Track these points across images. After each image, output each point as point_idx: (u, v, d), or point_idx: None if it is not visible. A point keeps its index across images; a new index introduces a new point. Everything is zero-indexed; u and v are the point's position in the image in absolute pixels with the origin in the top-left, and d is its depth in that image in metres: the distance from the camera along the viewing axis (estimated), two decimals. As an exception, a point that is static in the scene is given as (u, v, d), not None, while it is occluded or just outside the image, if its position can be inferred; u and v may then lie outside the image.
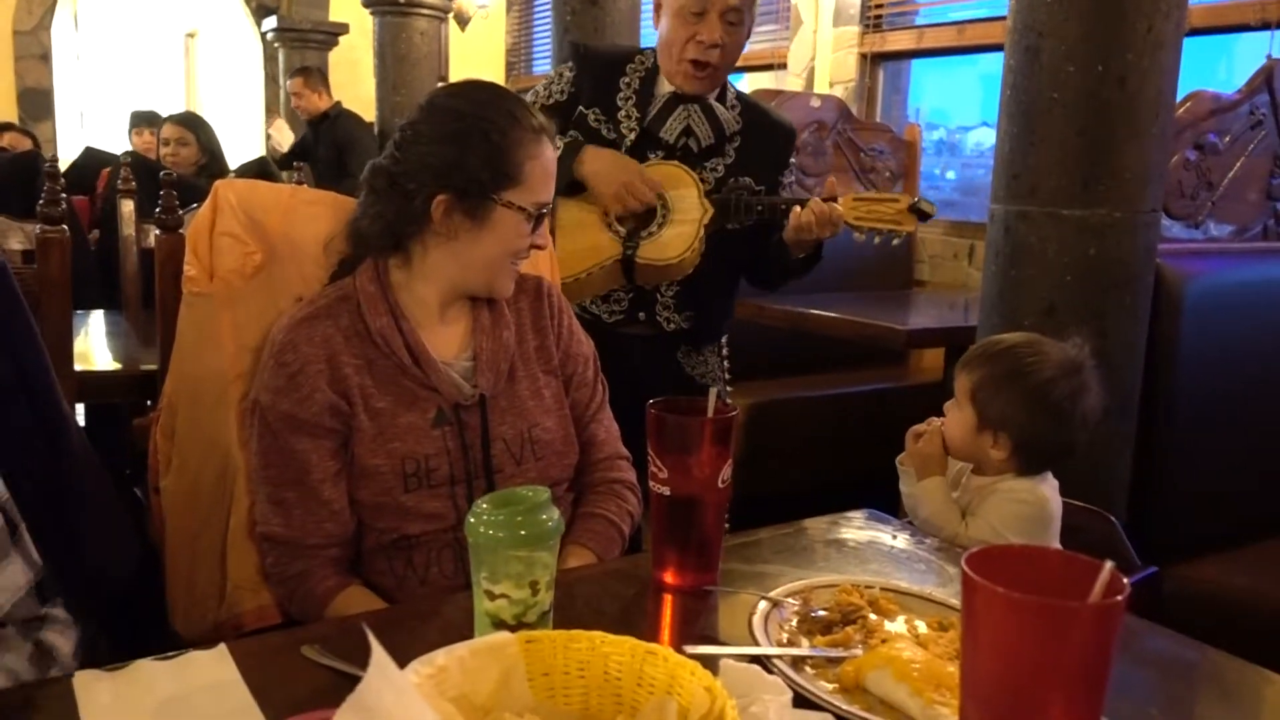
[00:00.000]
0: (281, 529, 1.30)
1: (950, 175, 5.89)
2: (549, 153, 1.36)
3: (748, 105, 2.05)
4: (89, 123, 8.20)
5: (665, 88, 1.99)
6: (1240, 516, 2.30)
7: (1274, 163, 2.52)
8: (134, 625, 1.41)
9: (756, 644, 0.94)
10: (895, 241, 1.88)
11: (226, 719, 0.84)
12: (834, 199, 1.85)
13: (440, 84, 5.68)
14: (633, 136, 1.98)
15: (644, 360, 2.01)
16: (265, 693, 0.88)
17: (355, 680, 0.86)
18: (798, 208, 1.84)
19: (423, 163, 1.33)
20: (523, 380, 1.42)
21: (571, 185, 1.93)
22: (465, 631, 0.94)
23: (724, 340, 2.17)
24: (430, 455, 1.32)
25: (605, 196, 1.92)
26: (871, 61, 4.78)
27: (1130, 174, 1.99)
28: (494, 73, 7.71)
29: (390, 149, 1.38)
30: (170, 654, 0.94)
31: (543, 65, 7.34)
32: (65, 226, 1.79)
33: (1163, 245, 2.16)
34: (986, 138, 5.29)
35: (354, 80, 7.02)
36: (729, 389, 2.23)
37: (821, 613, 1.02)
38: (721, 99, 2.01)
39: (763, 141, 2.03)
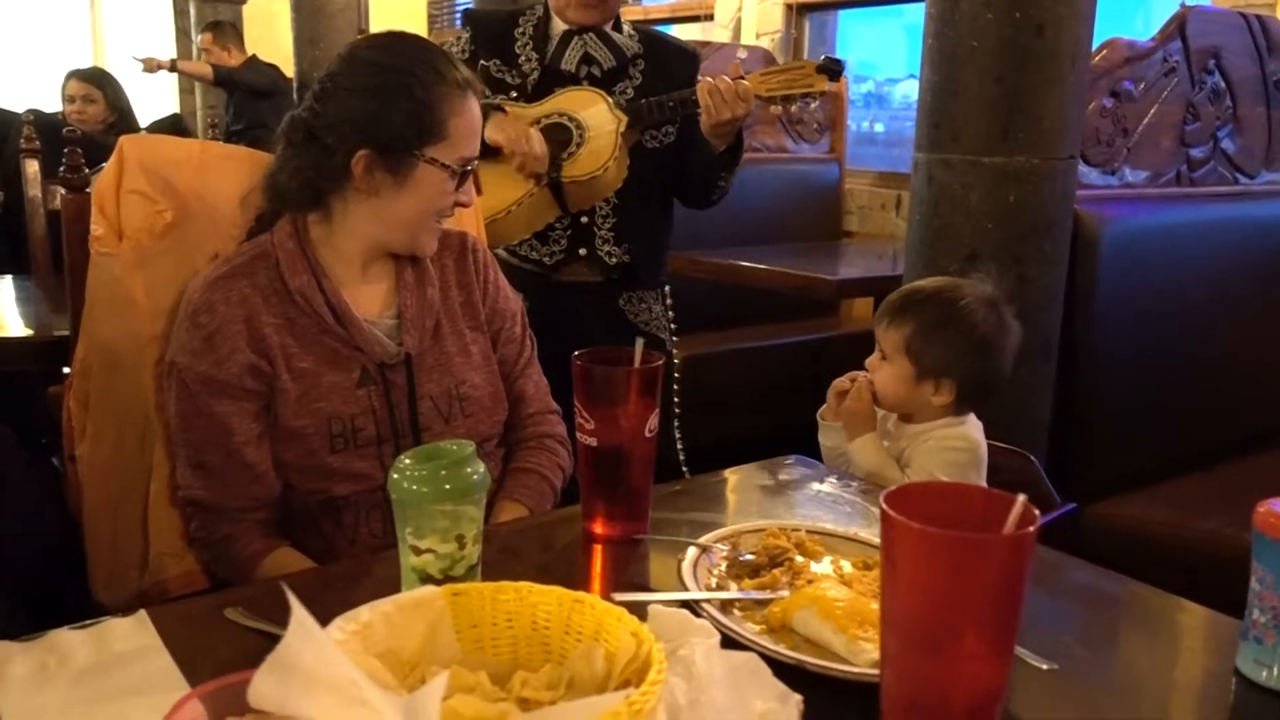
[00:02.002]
0: (204, 493, 1.27)
1: (879, 128, 5.93)
2: (474, 108, 1.33)
3: (644, 33, 2.12)
4: (-8, 80, 7.83)
5: (559, 27, 2.04)
6: (1157, 455, 2.38)
7: (1186, 109, 2.57)
8: (54, 597, 1.37)
9: (685, 589, 0.95)
10: (813, 105, 1.94)
11: (147, 685, 0.82)
12: (741, 77, 1.89)
13: (359, 35, 5.53)
14: (535, 75, 2.04)
15: (587, 310, 2.04)
16: (187, 658, 0.86)
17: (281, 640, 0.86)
18: (703, 86, 1.87)
19: (343, 116, 1.29)
20: (449, 337, 1.40)
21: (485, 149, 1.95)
22: (395, 589, 0.92)
23: (667, 290, 2.19)
24: (356, 415, 1.30)
25: (509, 157, 1.96)
26: (798, 12, 4.77)
27: (1048, 121, 2.02)
28: (415, 25, 7.53)
29: (309, 100, 1.33)
30: (87, 622, 0.92)
31: (467, 18, 7.18)
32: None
33: (1080, 191, 2.20)
34: (914, 90, 5.34)
35: (269, 33, 6.79)
36: (674, 339, 2.23)
37: (749, 557, 1.03)
38: (617, 28, 2.06)
39: (667, 63, 2.08)
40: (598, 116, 1.98)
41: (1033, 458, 1.67)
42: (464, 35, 2.14)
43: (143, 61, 5.76)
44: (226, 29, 5.56)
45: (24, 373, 2.62)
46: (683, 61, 2.10)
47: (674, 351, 2.22)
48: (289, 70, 5.65)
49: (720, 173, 2.05)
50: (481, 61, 2.05)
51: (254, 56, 5.52)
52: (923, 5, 2.13)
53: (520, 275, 2.09)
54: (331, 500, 1.30)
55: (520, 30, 2.07)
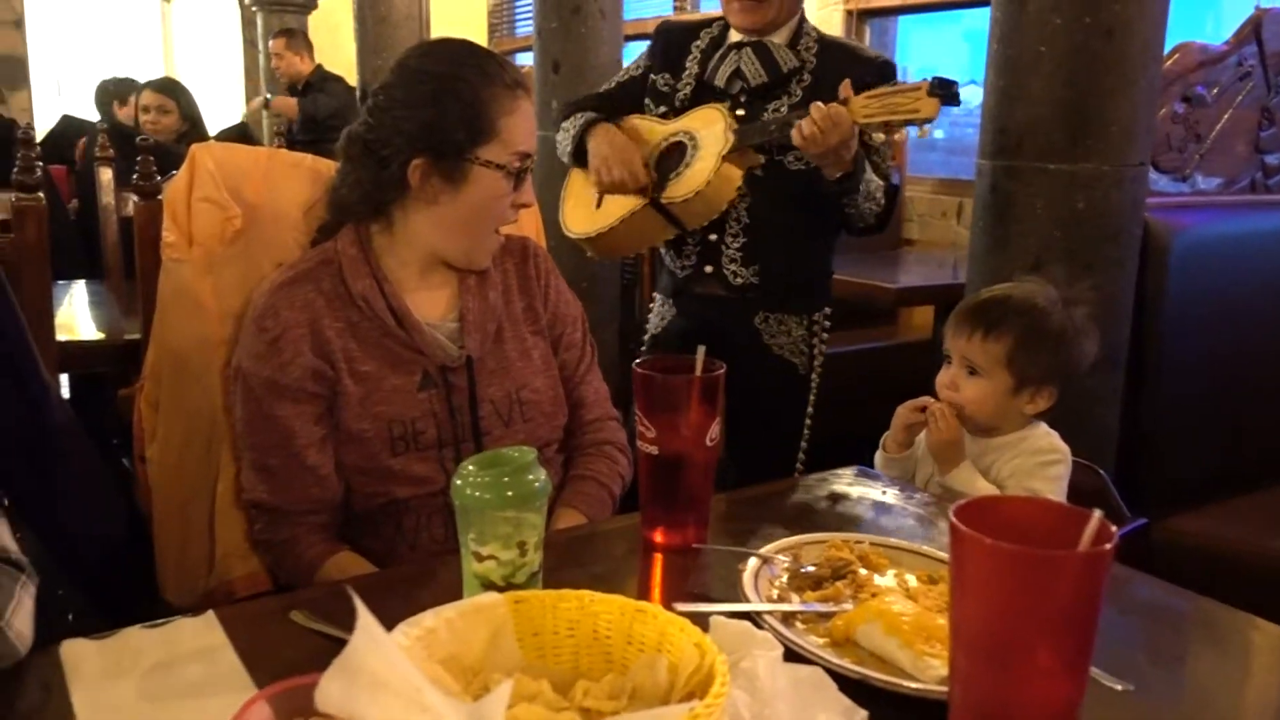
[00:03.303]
0: (267, 496, 1.29)
1: (939, 134, 5.84)
2: (526, 107, 1.33)
3: (827, 44, 2.02)
4: (66, 91, 8.07)
5: (732, 39, 2.00)
6: (1229, 468, 2.31)
7: (1261, 115, 2.50)
8: (124, 596, 1.41)
9: (747, 601, 0.94)
10: (919, 134, 1.78)
11: (214, 685, 0.83)
12: (846, 100, 1.75)
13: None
14: (688, 89, 2.02)
15: (719, 324, 1.99)
16: (253, 658, 0.88)
17: (344, 644, 0.87)
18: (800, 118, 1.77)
19: (396, 128, 1.30)
20: (510, 341, 1.41)
21: None
22: (456, 594, 0.93)
23: (818, 316, 2.07)
24: (417, 418, 1.31)
25: (590, 171, 1.98)
26: (858, 18, 4.73)
27: (1118, 127, 1.98)
28: (476, 34, 7.61)
29: (364, 115, 1.35)
30: (158, 622, 0.94)
31: (525, 26, 7.23)
32: (41, 195, 1.76)
33: (1150, 199, 2.15)
34: (975, 96, 5.25)
35: (333, 44, 6.92)
36: (815, 371, 2.08)
37: (811, 568, 1.01)
38: (794, 42, 1.98)
39: (839, 78, 1.89)
40: (711, 136, 1.92)
41: (1101, 470, 1.63)
42: (645, 50, 2.13)
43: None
44: (298, 36, 5.67)
45: (96, 375, 2.70)
46: (859, 73, 1.89)
47: (812, 378, 2.09)
48: (352, 79, 5.74)
49: (840, 201, 1.90)
50: (652, 76, 2.05)
51: (320, 66, 5.62)
52: (986, 10, 2.09)
53: (668, 280, 2.13)
54: (393, 503, 1.31)
55: (698, 44, 2.04)
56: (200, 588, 1.37)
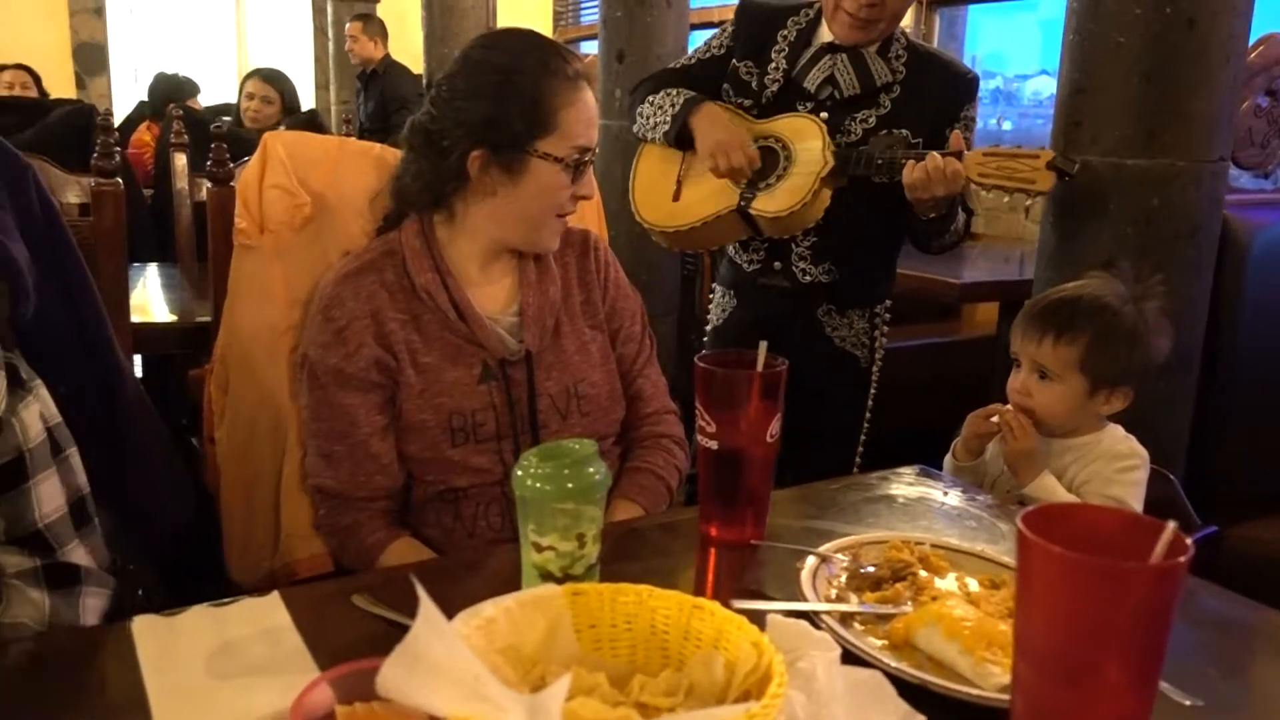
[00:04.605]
0: (331, 482, 1.31)
1: (1007, 126, 5.73)
2: (586, 98, 1.33)
3: (917, 55, 1.95)
4: (143, 77, 8.27)
5: (824, 37, 1.94)
6: (1304, 476, 2.24)
7: (1350, 109, 2.41)
8: (190, 573, 1.44)
9: (804, 599, 0.94)
10: (1029, 203, 1.74)
11: (278, 665, 0.85)
12: (958, 154, 1.73)
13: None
14: (775, 87, 1.95)
15: (782, 315, 1.97)
16: (316, 639, 0.89)
17: (404, 629, 0.87)
18: (911, 163, 1.73)
19: (457, 119, 1.31)
20: (569, 335, 1.41)
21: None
22: (512, 583, 0.94)
23: (878, 309, 2.06)
24: (476, 410, 1.32)
25: (702, 154, 1.91)
26: (928, 7, 4.65)
27: (1197, 122, 1.91)
28: (541, 23, 7.63)
29: (427, 105, 1.37)
30: (225, 600, 0.96)
31: (591, 15, 7.24)
32: (119, 180, 1.81)
33: (1230, 196, 2.09)
34: (1045, 86, 5.13)
35: (401, 32, 7.00)
36: (875, 364, 2.07)
37: (870, 569, 1.00)
38: (884, 50, 1.93)
39: (928, 93, 1.91)
40: (809, 153, 1.88)
41: (1171, 476, 1.59)
42: (729, 27, 2.05)
43: None
44: (374, 22, 5.75)
45: (168, 357, 2.77)
46: (947, 91, 1.92)
47: (873, 371, 2.07)
48: (416, 68, 5.80)
49: (929, 237, 1.90)
50: (734, 61, 1.99)
51: (388, 55, 5.69)
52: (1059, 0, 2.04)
53: (730, 271, 2.10)
54: (452, 492, 1.33)
55: (784, 33, 1.97)
56: (264, 568, 1.40)
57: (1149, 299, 1.48)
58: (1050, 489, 1.42)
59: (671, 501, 1.44)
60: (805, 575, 0.98)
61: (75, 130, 3.36)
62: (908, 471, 1.35)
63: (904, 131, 1.88)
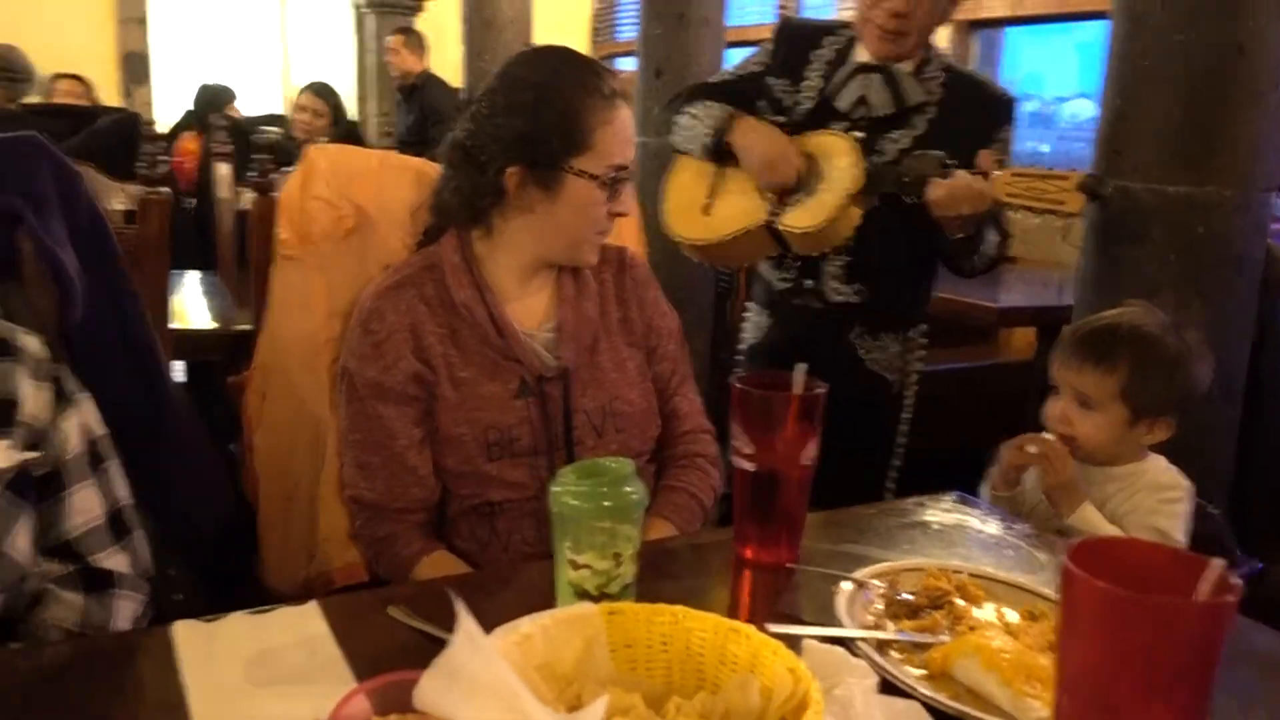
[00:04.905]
0: (368, 493, 1.32)
1: (1044, 148, 5.68)
2: (623, 116, 1.34)
3: (955, 76, 1.95)
4: (189, 87, 8.40)
5: (859, 57, 1.93)
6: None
7: (1400, 139, 2.37)
8: (227, 578, 1.46)
9: (840, 625, 0.93)
10: (1061, 223, 1.74)
11: (315, 674, 0.86)
12: (986, 173, 1.71)
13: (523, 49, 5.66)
14: (809, 105, 1.95)
15: (812, 336, 1.95)
16: (352, 649, 0.90)
17: (439, 642, 0.87)
18: (937, 180, 1.72)
19: (495, 135, 1.32)
20: (605, 352, 1.41)
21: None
22: (546, 598, 0.95)
23: (914, 334, 2.04)
24: (512, 425, 1.33)
25: (751, 171, 1.91)
26: (966, 29, 4.64)
27: (1244, 149, 1.89)
28: (578, 38, 7.69)
29: (465, 121, 1.38)
30: (264, 608, 0.97)
31: (628, 30, 7.29)
32: (166, 189, 1.84)
33: (1275, 225, 2.06)
34: (1083, 109, 5.09)
35: (439, 47, 7.07)
36: (909, 388, 2.07)
37: (908, 596, 1.00)
38: (920, 70, 1.92)
39: (964, 114, 1.90)
40: (839, 170, 1.86)
41: (1213, 509, 1.57)
42: (767, 45, 2.05)
43: None
44: (415, 36, 5.82)
45: (207, 363, 2.80)
46: (983, 112, 1.91)
47: (905, 396, 2.06)
48: (456, 82, 5.85)
49: (958, 257, 1.89)
50: (770, 79, 2.00)
51: (428, 69, 5.74)
52: (1099, 22, 2.02)
53: (763, 290, 2.10)
54: (487, 506, 1.33)
55: (820, 53, 1.97)
56: (300, 575, 1.41)
57: (1191, 327, 1.46)
58: (1092, 521, 1.40)
59: (705, 521, 1.43)
60: (841, 601, 0.97)
61: (122, 138, 3.41)
62: (945, 498, 1.33)
63: (939, 153, 1.85)
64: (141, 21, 7.65)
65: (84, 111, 4.07)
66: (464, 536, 1.35)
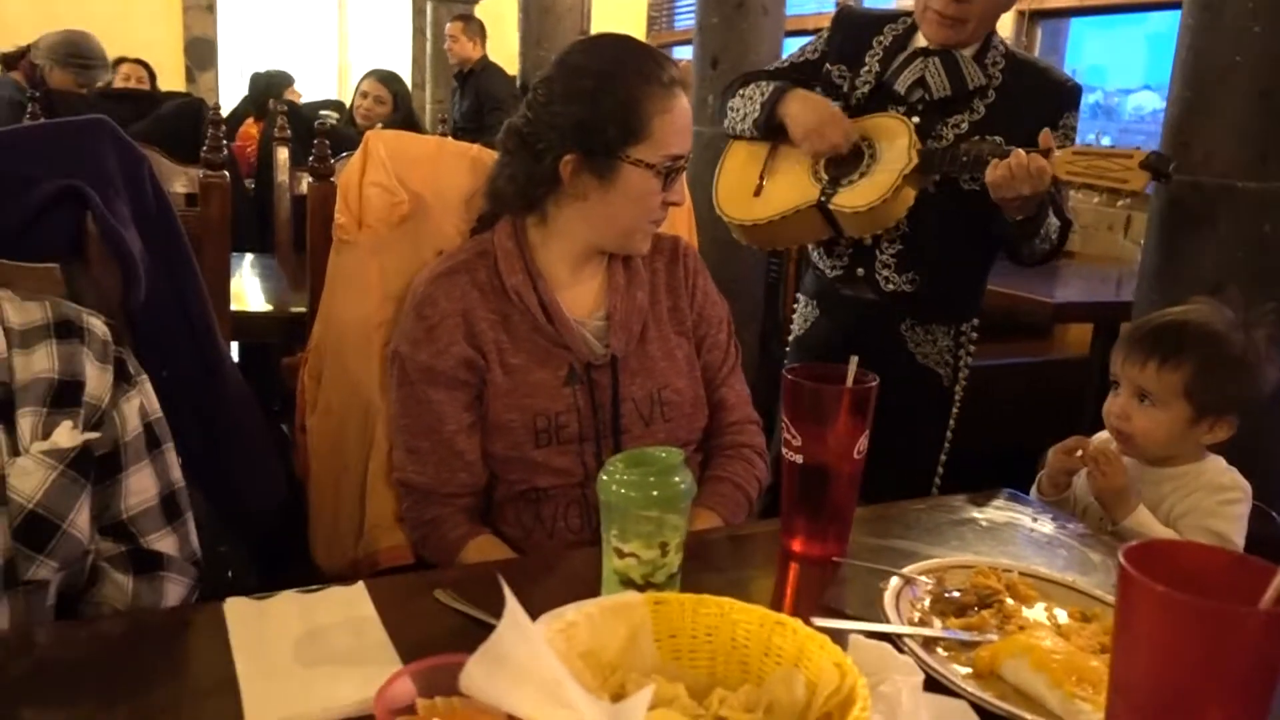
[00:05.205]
0: (417, 476, 1.34)
1: (1106, 141, 5.56)
2: (681, 106, 1.33)
3: (1016, 62, 1.91)
4: (249, 73, 8.54)
5: (918, 43, 1.91)
6: None
7: None
8: (277, 556, 1.48)
9: (886, 621, 0.92)
10: (1120, 203, 1.70)
11: (362, 654, 0.87)
12: (1046, 151, 1.66)
13: (579, 37, 5.67)
14: (866, 89, 1.93)
15: (862, 327, 1.93)
16: (399, 631, 0.91)
17: (484, 626, 0.89)
18: (996, 160, 1.68)
19: (552, 123, 1.32)
20: (655, 341, 1.41)
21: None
22: (591, 586, 0.95)
23: (965, 327, 2.00)
24: (560, 412, 1.33)
25: (796, 138, 1.89)
26: (1029, 19, 4.55)
27: (1317, 144, 1.83)
28: (635, 26, 7.67)
29: (523, 108, 1.38)
30: (313, 588, 0.98)
31: (685, 20, 7.25)
32: (227, 173, 1.87)
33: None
34: (1148, 101, 4.97)
35: (496, 34, 7.11)
36: (959, 383, 2.02)
37: (956, 594, 0.98)
38: (982, 55, 1.89)
39: (1025, 100, 1.85)
40: (893, 150, 1.84)
41: (1273, 513, 1.52)
42: (825, 33, 2.04)
43: None
44: (475, 23, 5.85)
45: (262, 344, 2.85)
46: (1046, 98, 1.86)
47: (955, 390, 2.02)
48: (512, 69, 5.87)
49: (1017, 242, 1.84)
50: (826, 65, 1.98)
51: (485, 56, 5.77)
52: (1167, 13, 1.97)
53: (813, 280, 2.09)
54: (534, 492, 1.34)
55: (880, 39, 1.96)
56: (348, 555, 1.43)
57: (1258, 326, 1.42)
58: (1147, 524, 1.37)
59: (750, 513, 1.43)
60: (888, 596, 0.96)
61: (185, 122, 3.48)
62: (996, 494, 1.31)
63: (999, 138, 1.82)
64: (209, 8, 7.79)
65: (150, 96, 4.16)
66: (510, 522, 1.36)
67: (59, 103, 3.28)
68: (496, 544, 1.32)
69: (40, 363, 1.04)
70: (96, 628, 1.00)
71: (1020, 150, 1.66)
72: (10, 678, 0.85)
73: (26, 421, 1.01)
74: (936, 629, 0.93)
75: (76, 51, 3.55)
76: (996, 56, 1.90)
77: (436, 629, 0.94)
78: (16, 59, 4.18)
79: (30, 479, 1.00)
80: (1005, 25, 4.57)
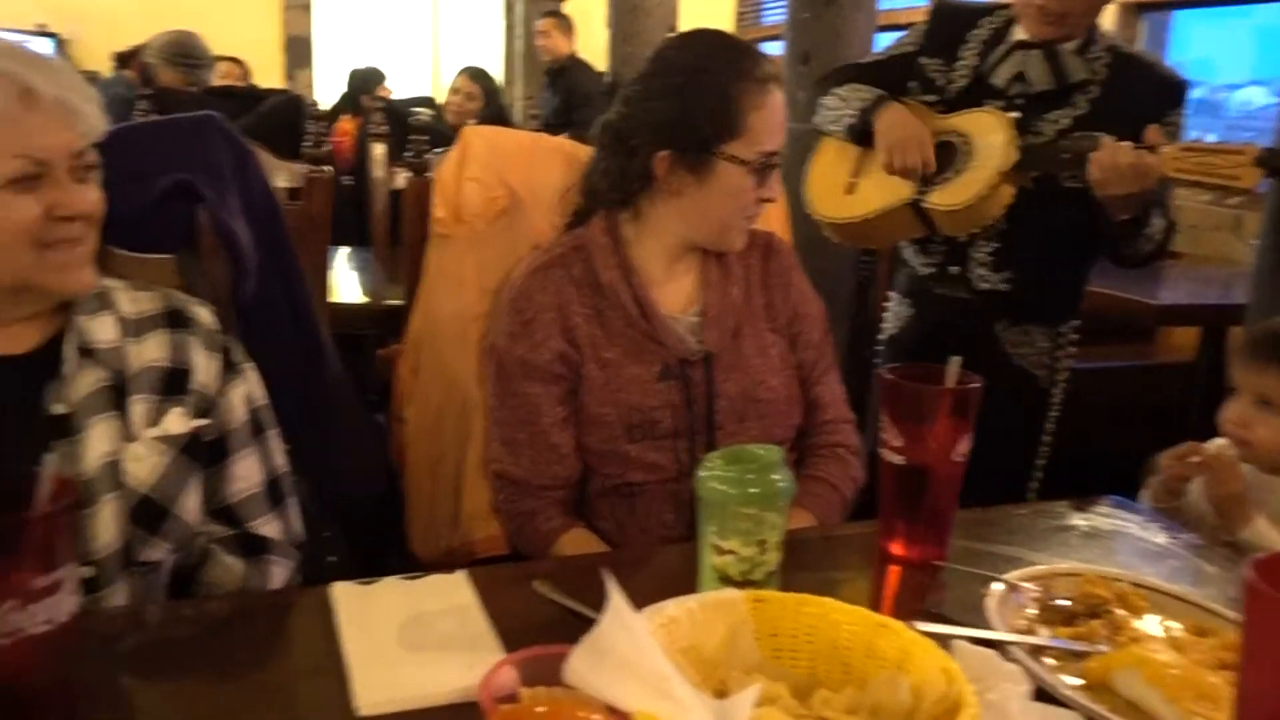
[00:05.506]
0: (513, 468, 1.35)
1: (1211, 138, 5.35)
2: (775, 101, 1.32)
3: (1120, 56, 1.85)
4: (345, 70, 8.74)
5: (1017, 35, 1.86)
6: None
7: None
8: (376, 543, 1.52)
9: (990, 628, 0.90)
10: (1231, 201, 1.65)
11: (465, 642, 0.88)
12: (1153, 147, 1.60)
13: (669, 34, 5.66)
14: (963, 83, 1.89)
15: (956, 327, 1.88)
16: (498, 620, 0.92)
17: (582, 618, 0.89)
18: (1098, 155, 1.62)
19: (646, 119, 1.33)
20: (749, 338, 1.40)
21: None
22: (683, 581, 0.95)
23: (1066, 329, 1.95)
24: (654, 408, 1.33)
25: (879, 148, 1.87)
26: (1133, 11, 4.40)
27: None
28: (723, 22, 7.64)
29: (618, 104, 1.38)
30: (414, 574, 1.00)
31: (774, 14, 7.19)
32: (329, 168, 1.92)
33: None
34: (1256, 96, 4.77)
35: (585, 31, 7.17)
36: (1057, 386, 1.97)
37: (1063, 602, 0.95)
38: (1085, 49, 1.83)
39: (1130, 96, 1.79)
40: (990, 148, 1.79)
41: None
42: (921, 26, 2.01)
43: None
44: (564, 19, 5.91)
45: (357, 336, 2.92)
46: (1152, 94, 1.79)
47: (1053, 393, 1.97)
48: (600, 65, 5.90)
49: (1119, 243, 1.78)
50: (922, 59, 1.95)
51: (575, 52, 5.80)
52: (1276, 4, 1.88)
53: (906, 279, 2.06)
54: (627, 487, 1.34)
55: (977, 32, 1.92)
56: (443, 544, 1.45)
57: None
58: (1267, 535, 1.31)
59: (845, 513, 1.41)
60: (992, 603, 0.94)
61: (286, 118, 3.57)
62: (1102, 501, 1.27)
63: (1100, 134, 1.72)
64: (306, 8, 8.01)
65: (252, 93, 4.29)
66: (603, 516, 1.36)
67: (169, 100, 3.39)
68: (590, 537, 1.33)
69: (152, 351, 1.08)
70: (204, 607, 1.03)
71: (1126, 145, 1.60)
72: (122, 652, 0.89)
73: (139, 408, 1.06)
74: (1044, 637, 0.90)
75: (184, 51, 3.67)
76: (1100, 51, 1.83)
77: (535, 619, 0.95)
78: (129, 58, 4.35)
79: (144, 464, 1.04)
80: (1108, 18, 4.43)
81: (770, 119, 1.32)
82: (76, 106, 1.00)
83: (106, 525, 1.01)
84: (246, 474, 1.14)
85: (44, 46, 5.94)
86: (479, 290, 1.48)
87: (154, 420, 1.06)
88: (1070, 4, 1.76)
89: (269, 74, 7.06)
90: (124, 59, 4.67)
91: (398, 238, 1.76)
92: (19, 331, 1.04)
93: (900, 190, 1.88)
